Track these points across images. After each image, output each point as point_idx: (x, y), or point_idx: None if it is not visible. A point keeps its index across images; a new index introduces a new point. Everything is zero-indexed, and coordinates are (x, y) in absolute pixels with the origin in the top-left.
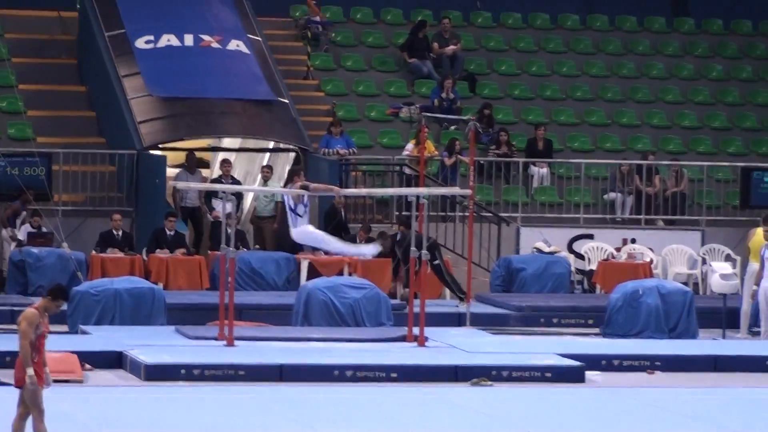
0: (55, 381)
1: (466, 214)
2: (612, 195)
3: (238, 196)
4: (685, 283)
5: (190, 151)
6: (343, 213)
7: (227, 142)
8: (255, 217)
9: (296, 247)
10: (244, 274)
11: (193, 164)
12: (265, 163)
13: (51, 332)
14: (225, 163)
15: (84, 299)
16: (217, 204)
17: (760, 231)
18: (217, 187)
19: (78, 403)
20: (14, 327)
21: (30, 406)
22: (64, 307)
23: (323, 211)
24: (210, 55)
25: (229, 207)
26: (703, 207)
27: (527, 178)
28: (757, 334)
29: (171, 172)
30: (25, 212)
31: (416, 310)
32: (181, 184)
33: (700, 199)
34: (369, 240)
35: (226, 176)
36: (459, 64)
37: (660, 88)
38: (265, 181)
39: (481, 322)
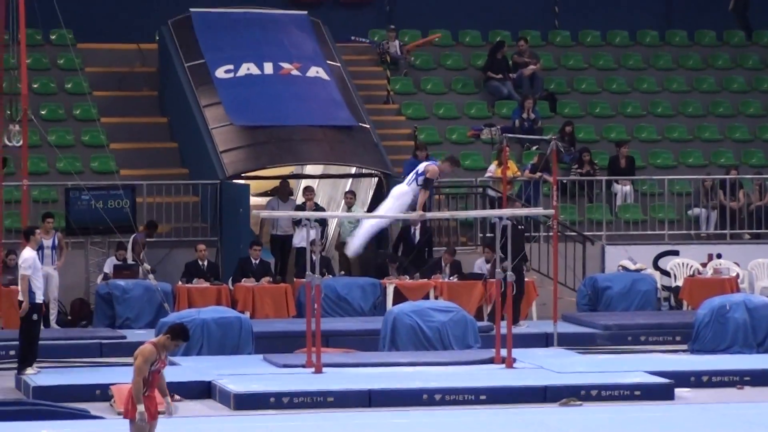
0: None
1: (551, 234)
2: (696, 210)
3: (322, 223)
4: None
5: (284, 179)
6: (415, 232)
7: (309, 169)
8: (340, 243)
9: (382, 273)
10: (330, 300)
11: (286, 192)
12: (347, 189)
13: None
14: (308, 191)
15: None
16: (300, 232)
17: None
18: (302, 214)
19: None
20: (102, 360)
21: None
22: None
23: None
24: (290, 82)
25: (313, 234)
26: None
27: (611, 196)
28: None
29: (255, 200)
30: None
31: (503, 331)
32: (264, 213)
33: None
34: (454, 264)
35: (309, 203)
36: (539, 83)
37: (741, 102)
38: (349, 207)
39: (569, 341)
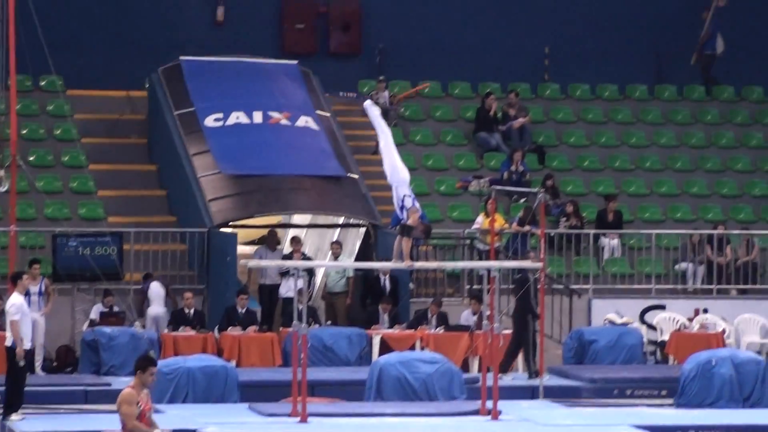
0: None
1: (537, 287)
2: (683, 265)
3: (310, 273)
4: (759, 353)
5: (272, 228)
6: (385, 281)
7: (297, 218)
8: (326, 293)
9: (369, 323)
10: (316, 350)
11: (273, 241)
12: (334, 239)
13: None
14: (295, 241)
15: (157, 378)
16: (287, 281)
17: None
18: (291, 263)
19: None
20: (87, 407)
21: None
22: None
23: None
24: (279, 131)
25: (301, 283)
26: None
27: (598, 250)
28: None
29: (243, 249)
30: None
31: (489, 383)
32: (252, 263)
33: None
34: (440, 315)
35: (297, 254)
36: (527, 136)
37: (729, 157)
38: (336, 257)
39: (555, 394)
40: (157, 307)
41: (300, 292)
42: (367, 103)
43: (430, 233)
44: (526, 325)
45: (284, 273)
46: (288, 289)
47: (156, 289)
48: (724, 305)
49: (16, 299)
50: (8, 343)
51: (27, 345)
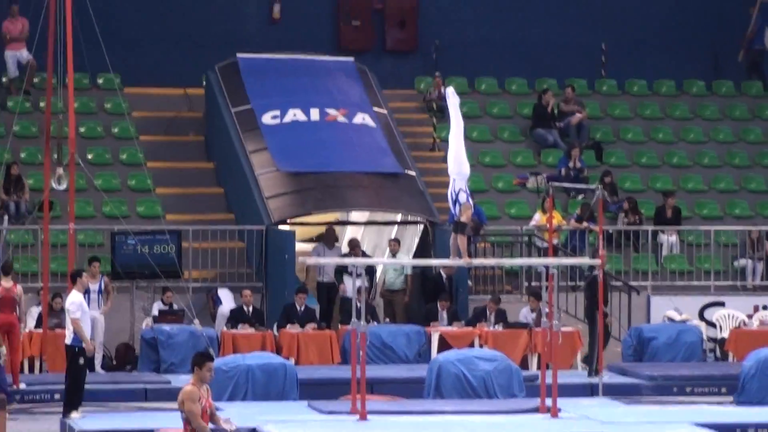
0: None
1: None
2: (742, 261)
3: (369, 271)
4: None
5: (329, 226)
6: (445, 281)
7: (355, 215)
8: (385, 290)
9: (428, 320)
10: (375, 347)
11: (331, 239)
12: (392, 237)
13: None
14: (353, 244)
15: (216, 375)
16: (347, 280)
17: None
18: (349, 261)
19: None
20: (147, 405)
21: None
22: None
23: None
24: (336, 128)
25: (359, 282)
26: None
27: (656, 246)
28: None
29: (301, 246)
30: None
31: (548, 380)
32: (310, 260)
33: None
34: (499, 312)
35: (356, 257)
36: (585, 132)
37: None
38: (393, 254)
39: (614, 392)
40: (228, 305)
41: (359, 290)
42: (450, 90)
43: (480, 230)
44: (594, 323)
45: (343, 271)
46: (347, 288)
47: (225, 292)
48: None
49: (76, 297)
50: (68, 341)
51: (69, 341)
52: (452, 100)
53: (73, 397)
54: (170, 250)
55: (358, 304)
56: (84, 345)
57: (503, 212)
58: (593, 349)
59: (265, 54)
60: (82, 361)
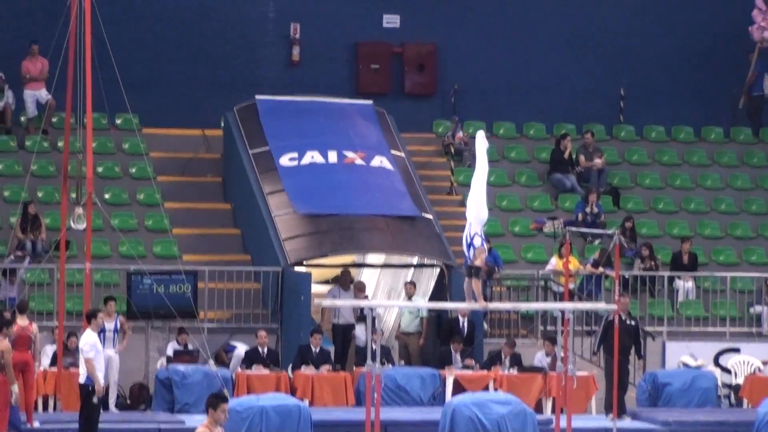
0: None
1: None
2: (758, 308)
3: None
4: None
5: (345, 268)
6: (463, 323)
7: (371, 258)
8: (400, 333)
9: (442, 362)
10: (389, 390)
11: (347, 281)
12: (408, 280)
13: None
14: (357, 287)
15: (230, 416)
16: (359, 330)
17: None
18: (365, 303)
19: None
20: None
21: None
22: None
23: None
24: (354, 171)
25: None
26: None
27: (672, 292)
28: None
29: (317, 288)
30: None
31: (563, 424)
32: (326, 302)
33: None
34: (514, 356)
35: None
36: (603, 177)
37: None
38: (409, 297)
39: None
40: (242, 349)
41: (374, 332)
42: (480, 134)
43: (493, 274)
44: (610, 366)
45: (359, 318)
46: (362, 334)
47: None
48: None
49: (90, 337)
50: (82, 380)
51: (82, 380)
52: (480, 143)
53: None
54: (186, 290)
55: (373, 347)
56: (95, 386)
57: (520, 256)
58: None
59: (283, 96)
60: (96, 400)
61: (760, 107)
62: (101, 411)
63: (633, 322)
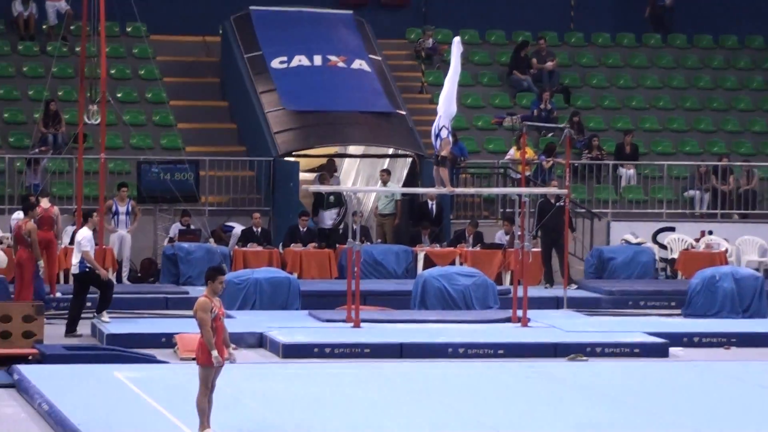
0: (192, 359)
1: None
2: (691, 192)
3: (339, 201)
4: (757, 269)
5: (330, 158)
6: (432, 206)
7: (352, 149)
8: (378, 214)
9: (414, 241)
10: (368, 264)
11: (331, 169)
12: (383, 168)
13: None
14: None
15: (228, 287)
16: (329, 213)
17: None
18: (347, 188)
19: (224, 377)
20: (168, 312)
21: (201, 382)
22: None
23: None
24: (336, 73)
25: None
26: None
27: (616, 179)
28: None
29: (304, 176)
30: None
31: (519, 294)
32: (312, 187)
33: None
34: (477, 234)
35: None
36: (555, 78)
37: (733, 98)
38: (384, 183)
39: (577, 305)
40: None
41: (354, 213)
42: (456, 39)
43: (457, 162)
44: (546, 242)
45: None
46: (329, 219)
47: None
48: (727, 228)
49: (87, 233)
50: (75, 270)
51: (76, 270)
52: (456, 48)
53: (76, 314)
54: (189, 177)
55: (354, 227)
56: (98, 272)
57: (482, 147)
58: (551, 266)
59: (274, 7)
60: (104, 278)
61: (662, 15)
62: (115, 282)
63: (561, 203)
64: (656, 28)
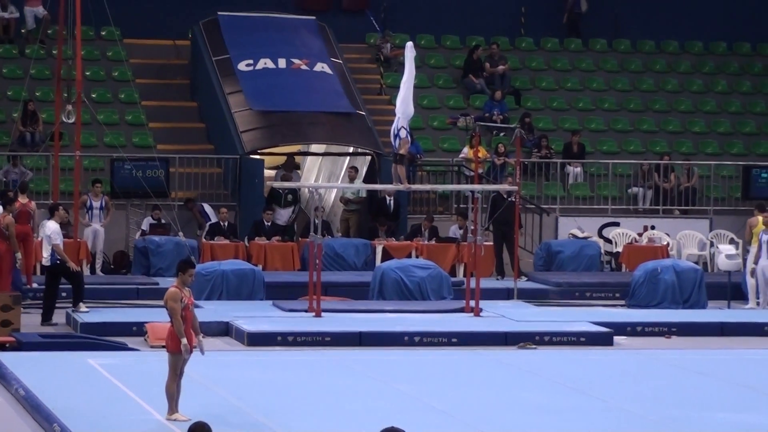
0: (162, 347)
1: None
2: (635, 189)
3: (296, 199)
4: (696, 263)
5: (291, 155)
6: (390, 201)
7: (314, 147)
8: (345, 202)
9: (371, 236)
10: (329, 257)
11: (292, 166)
12: (352, 165)
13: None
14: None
15: (197, 279)
16: (284, 211)
17: (760, 218)
18: (309, 185)
19: (192, 364)
20: (140, 302)
21: (171, 368)
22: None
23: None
24: (299, 75)
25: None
26: (711, 199)
27: (564, 176)
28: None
29: (269, 172)
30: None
31: (472, 285)
32: (276, 183)
33: (708, 193)
34: (432, 229)
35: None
36: (507, 81)
37: (674, 100)
38: (351, 180)
39: (527, 296)
40: (213, 219)
41: (316, 208)
42: (409, 44)
43: (415, 161)
44: (498, 236)
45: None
46: (284, 217)
47: (208, 207)
48: (668, 223)
49: (54, 226)
50: (47, 263)
51: (47, 263)
52: (409, 52)
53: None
54: (160, 174)
55: (316, 221)
56: (68, 264)
57: (437, 146)
58: (502, 259)
59: (241, 12)
60: (73, 270)
61: (577, 21)
62: (89, 273)
63: (512, 199)
64: (572, 33)
